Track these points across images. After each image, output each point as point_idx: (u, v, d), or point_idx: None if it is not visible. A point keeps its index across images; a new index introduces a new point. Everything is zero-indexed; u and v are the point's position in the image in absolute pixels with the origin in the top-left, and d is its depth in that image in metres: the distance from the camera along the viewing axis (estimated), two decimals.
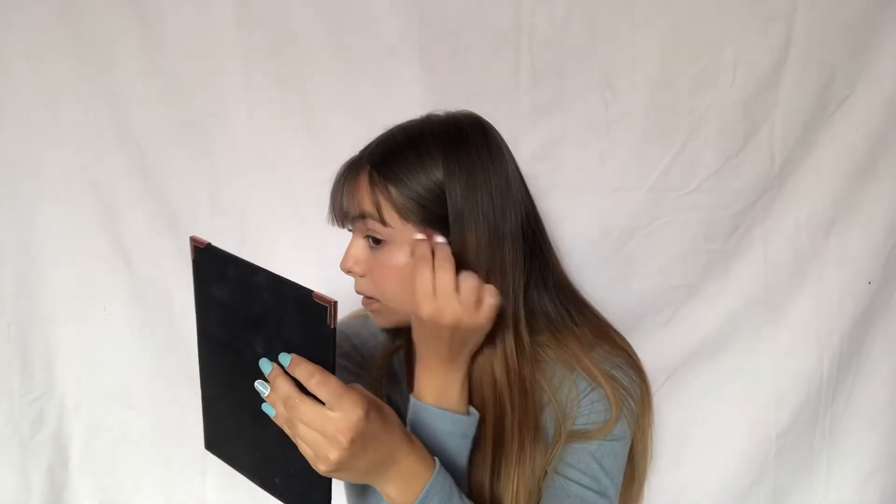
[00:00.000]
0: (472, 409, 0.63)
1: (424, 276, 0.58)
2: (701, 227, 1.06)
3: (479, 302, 0.59)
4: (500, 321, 0.63)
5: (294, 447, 0.51)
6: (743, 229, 1.07)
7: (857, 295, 1.08)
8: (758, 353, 1.10)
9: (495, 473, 0.66)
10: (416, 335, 0.62)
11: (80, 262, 1.08)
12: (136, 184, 1.06)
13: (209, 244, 0.55)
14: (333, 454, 0.49)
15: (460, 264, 0.60)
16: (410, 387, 0.64)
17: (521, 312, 0.65)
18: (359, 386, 0.52)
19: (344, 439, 0.49)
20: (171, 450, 1.14)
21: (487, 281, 0.61)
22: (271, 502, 0.59)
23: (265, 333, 0.53)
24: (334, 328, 0.48)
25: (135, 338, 1.11)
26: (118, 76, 1.03)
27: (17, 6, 1.01)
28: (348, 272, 0.67)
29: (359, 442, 0.50)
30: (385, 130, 0.67)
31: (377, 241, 0.64)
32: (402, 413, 0.64)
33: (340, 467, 0.50)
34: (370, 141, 0.67)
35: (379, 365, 0.74)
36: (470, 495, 0.65)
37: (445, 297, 0.58)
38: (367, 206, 0.62)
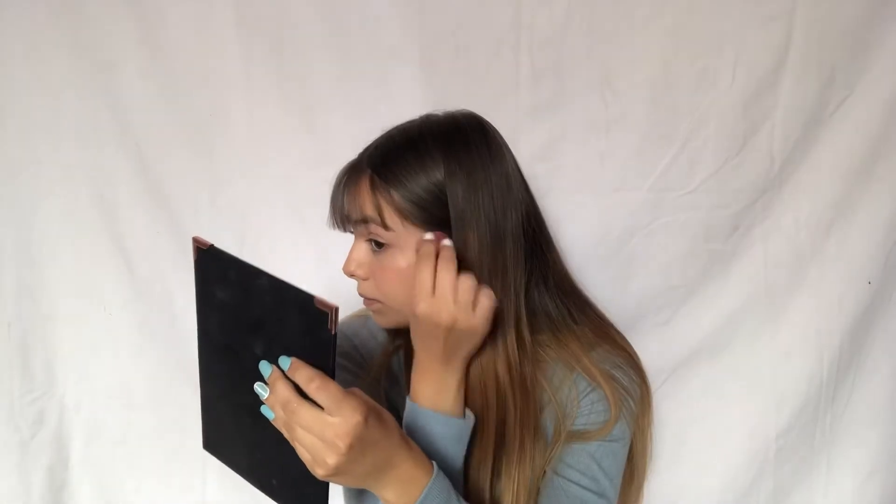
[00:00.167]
0: (469, 413, 0.63)
1: (425, 274, 0.58)
2: (701, 227, 1.06)
3: (475, 304, 0.59)
4: (501, 321, 0.63)
5: (292, 450, 0.51)
6: (743, 229, 1.07)
7: (857, 295, 1.08)
8: (758, 353, 1.10)
9: (496, 473, 0.66)
10: (413, 335, 0.62)
11: (81, 261, 1.08)
12: (137, 184, 1.06)
13: (212, 245, 0.55)
14: (331, 459, 0.49)
15: (462, 265, 0.60)
16: (409, 388, 0.64)
17: (523, 312, 0.65)
18: (358, 391, 0.52)
19: (342, 444, 0.49)
20: (172, 450, 1.14)
21: (489, 281, 0.61)
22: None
23: (265, 336, 0.53)
24: (335, 333, 0.49)
25: (135, 338, 1.11)
26: (118, 76, 1.03)
27: (17, 6, 1.01)
28: (351, 276, 0.67)
29: (357, 447, 0.50)
30: (384, 132, 0.67)
31: (379, 245, 0.64)
32: (400, 414, 0.64)
33: (338, 472, 0.50)
34: (369, 143, 0.67)
35: (378, 365, 0.74)
36: (469, 496, 0.65)
37: (443, 296, 0.58)
38: (369, 210, 0.62)
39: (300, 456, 0.51)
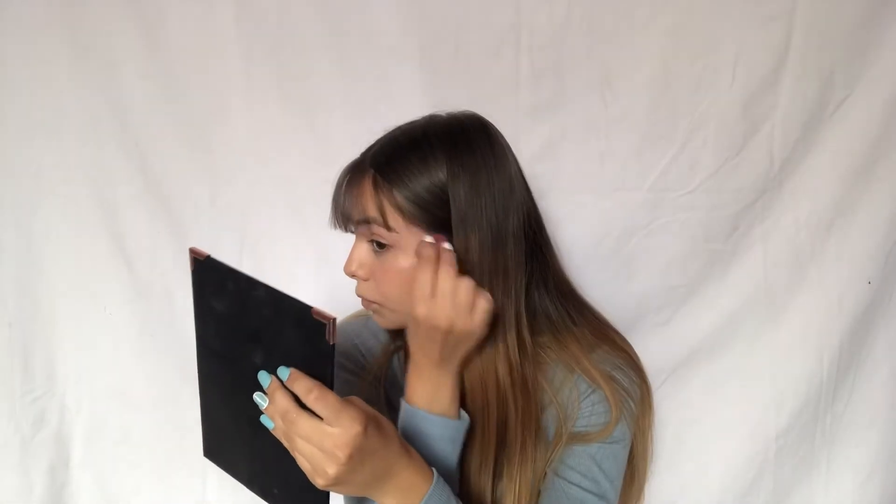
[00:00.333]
0: (463, 414, 0.63)
1: (425, 276, 0.58)
2: (701, 227, 1.06)
3: (473, 307, 0.59)
4: (502, 322, 0.63)
5: (292, 459, 0.51)
6: (743, 229, 1.07)
7: (857, 295, 1.08)
8: (758, 353, 1.10)
9: (497, 475, 0.66)
10: (411, 336, 0.62)
11: (81, 262, 1.09)
12: (137, 184, 1.07)
13: (209, 256, 0.55)
14: (331, 469, 0.50)
15: (463, 266, 0.60)
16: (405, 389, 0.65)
17: (524, 313, 0.65)
18: (357, 399, 0.52)
19: (342, 455, 0.49)
20: (172, 450, 1.14)
21: (490, 282, 0.61)
22: None
23: (264, 346, 0.53)
24: (333, 344, 0.49)
25: (135, 337, 1.11)
26: (118, 76, 1.03)
27: (17, 6, 1.01)
28: (352, 276, 0.66)
29: (357, 457, 0.50)
30: (386, 132, 0.67)
31: (381, 245, 0.64)
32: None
33: (338, 482, 0.50)
34: (371, 143, 0.67)
35: (379, 365, 0.74)
36: (471, 498, 0.66)
37: (442, 299, 0.58)
38: (371, 210, 0.62)
39: (300, 466, 0.51)
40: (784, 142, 1.03)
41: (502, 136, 0.66)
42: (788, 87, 1.01)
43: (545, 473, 0.67)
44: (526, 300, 0.65)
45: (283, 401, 0.50)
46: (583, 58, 1.01)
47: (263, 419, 0.52)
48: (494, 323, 0.62)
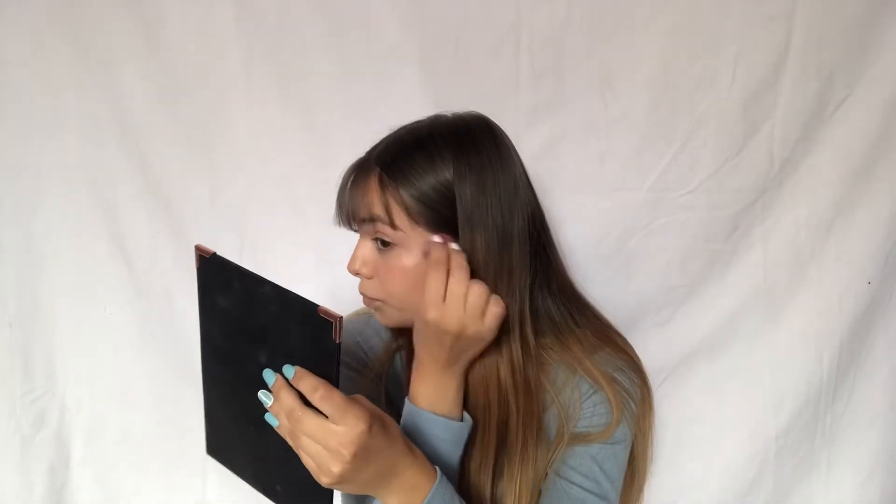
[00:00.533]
0: (466, 416, 0.64)
1: (437, 280, 0.58)
2: (701, 227, 1.06)
3: (485, 312, 0.59)
4: (505, 323, 0.63)
5: (296, 457, 0.52)
6: (743, 229, 1.07)
7: (857, 295, 1.08)
8: (757, 353, 1.10)
9: (497, 475, 0.67)
10: (418, 337, 0.62)
11: (81, 261, 1.09)
12: (137, 184, 1.07)
13: (214, 254, 0.55)
14: (336, 467, 0.50)
15: (469, 268, 0.60)
16: (408, 388, 0.65)
17: (527, 314, 0.65)
18: (362, 398, 0.53)
19: (347, 453, 0.49)
20: (172, 449, 1.14)
21: (495, 282, 0.61)
22: None
23: (269, 345, 0.53)
24: (339, 343, 0.49)
25: (135, 337, 1.11)
26: (118, 76, 1.03)
27: (17, 6, 1.01)
28: (356, 274, 0.66)
29: (361, 456, 0.50)
30: (391, 131, 0.67)
31: (385, 244, 0.64)
32: (401, 412, 0.64)
33: (343, 480, 0.51)
34: (376, 142, 0.67)
35: (381, 363, 0.74)
36: (471, 498, 0.66)
37: (454, 303, 0.58)
38: (377, 208, 0.62)
39: (305, 464, 0.51)
40: (784, 142, 1.03)
41: (507, 137, 0.66)
42: (788, 87, 1.01)
43: (546, 473, 0.67)
44: (529, 301, 0.65)
45: (288, 399, 0.51)
46: (583, 58, 1.01)
47: (268, 417, 0.52)
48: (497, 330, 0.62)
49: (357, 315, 0.79)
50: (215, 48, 1.03)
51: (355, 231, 0.67)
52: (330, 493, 0.54)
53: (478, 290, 0.59)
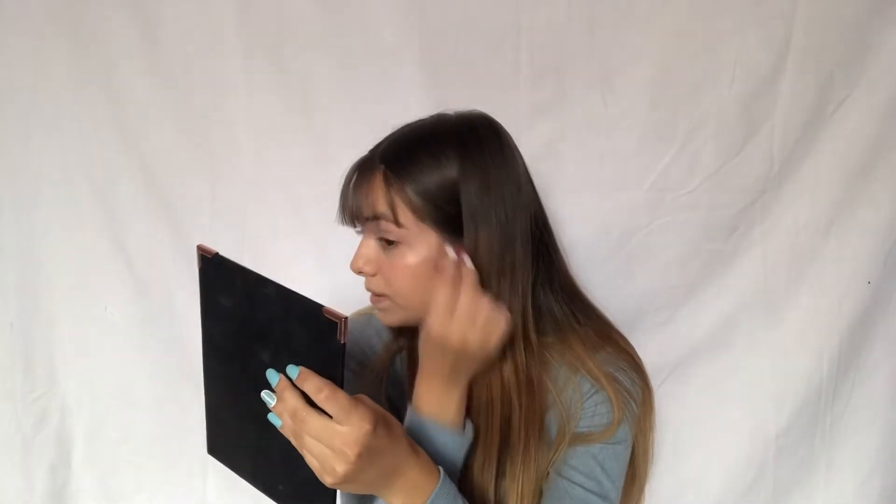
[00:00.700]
0: (468, 427, 0.64)
1: (445, 294, 0.59)
2: (701, 227, 1.06)
3: (490, 330, 0.59)
4: (508, 323, 0.63)
5: (299, 456, 0.52)
6: (743, 229, 1.07)
7: (857, 295, 1.08)
8: (757, 353, 1.10)
9: (500, 474, 0.67)
10: (422, 347, 0.62)
11: (81, 261, 1.09)
12: (137, 184, 1.07)
13: (217, 254, 0.55)
14: (340, 467, 0.50)
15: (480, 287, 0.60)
16: (411, 390, 0.65)
17: (530, 313, 0.65)
18: (366, 398, 0.53)
19: (351, 453, 0.49)
20: (173, 449, 1.14)
21: (498, 281, 0.62)
22: None
23: (273, 345, 0.53)
24: (344, 343, 0.49)
25: (136, 337, 1.11)
26: (118, 76, 1.03)
27: (17, 6, 1.01)
28: (358, 272, 0.66)
29: (366, 456, 0.50)
30: (395, 130, 0.66)
31: (390, 242, 0.63)
32: (401, 414, 0.64)
33: (347, 480, 0.51)
34: (378, 141, 0.67)
35: (381, 364, 0.74)
36: (473, 498, 0.66)
37: (462, 321, 0.58)
38: (381, 206, 0.62)
39: (308, 464, 0.51)
40: (784, 142, 1.03)
41: (510, 137, 0.66)
42: (788, 87, 1.01)
43: (547, 473, 0.67)
44: (532, 300, 0.65)
45: (292, 399, 0.50)
46: (583, 58, 1.01)
47: (271, 417, 0.52)
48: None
49: (359, 315, 0.79)
50: (215, 48, 1.03)
51: (358, 231, 0.67)
52: (333, 493, 0.54)
53: (485, 308, 0.59)
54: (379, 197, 0.62)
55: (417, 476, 0.56)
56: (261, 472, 0.59)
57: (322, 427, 0.50)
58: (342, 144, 1.03)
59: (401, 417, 0.63)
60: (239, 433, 0.59)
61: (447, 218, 0.62)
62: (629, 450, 0.69)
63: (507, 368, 0.64)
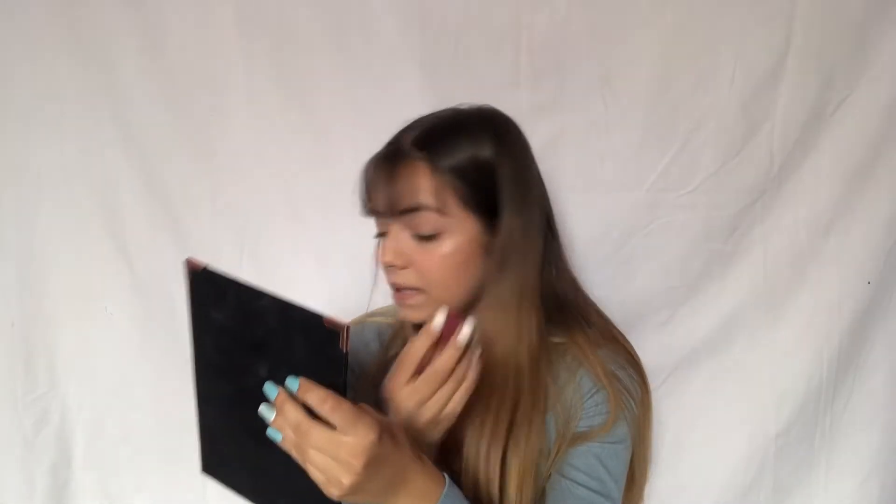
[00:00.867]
0: (447, 479, 0.60)
1: (416, 353, 0.59)
2: (701, 227, 1.06)
3: (438, 419, 0.60)
4: (527, 310, 0.64)
5: (299, 469, 0.51)
6: (743, 229, 1.06)
7: (857, 295, 1.07)
8: (758, 353, 1.09)
9: (504, 458, 0.66)
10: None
11: (82, 261, 1.09)
12: (137, 184, 1.07)
13: (206, 267, 0.53)
14: (346, 479, 0.49)
15: (503, 248, 0.62)
16: None
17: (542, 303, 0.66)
18: (368, 407, 0.52)
19: (358, 464, 0.49)
20: (173, 449, 1.14)
21: (524, 264, 0.63)
22: None
23: (269, 358, 0.52)
24: (347, 352, 0.48)
25: (136, 337, 1.12)
26: (118, 76, 1.03)
27: (17, 6, 1.01)
28: (388, 266, 0.65)
29: (372, 465, 0.49)
30: (412, 122, 0.66)
31: (425, 234, 0.62)
32: None
33: (353, 491, 0.50)
34: (398, 133, 0.66)
35: (373, 375, 0.74)
36: (480, 501, 0.66)
37: (429, 406, 0.59)
38: (425, 196, 0.61)
39: (313, 477, 0.50)
40: (784, 142, 1.03)
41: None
42: (788, 87, 1.01)
43: (549, 474, 0.67)
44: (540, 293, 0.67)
45: (293, 412, 0.50)
46: (583, 58, 1.01)
47: (270, 432, 0.51)
48: (519, 301, 0.63)
49: (354, 324, 0.79)
50: (215, 48, 1.03)
51: (384, 222, 0.65)
52: None
53: (446, 392, 0.60)
54: (422, 187, 0.61)
55: (423, 483, 0.55)
56: (260, 489, 0.58)
57: (327, 439, 0.49)
58: (342, 144, 1.03)
59: None
60: (236, 449, 0.58)
61: (487, 201, 0.62)
62: (630, 449, 0.69)
63: (523, 353, 0.64)
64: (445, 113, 0.67)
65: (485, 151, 0.62)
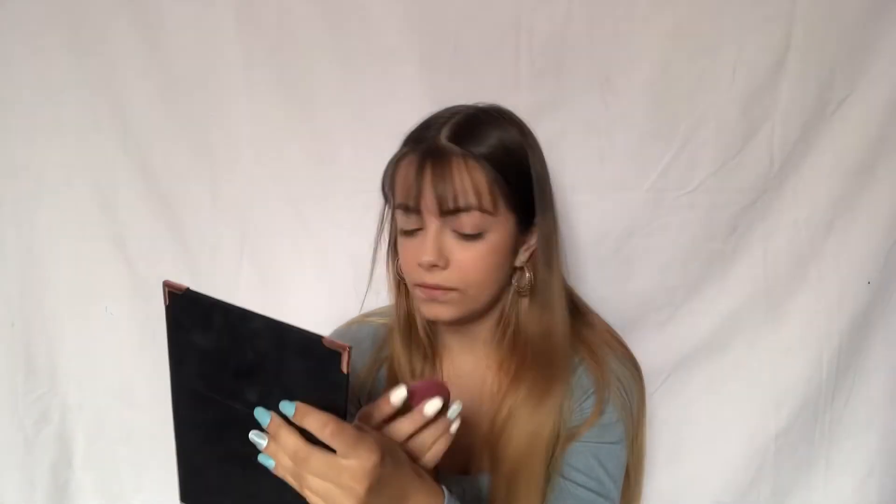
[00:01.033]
0: (445, 490, 0.59)
1: (383, 410, 0.56)
2: (701, 227, 1.05)
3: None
4: (566, 308, 0.67)
5: (291, 495, 0.49)
6: (743, 229, 1.06)
7: (857, 295, 1.07)
8: (757, 353, 1.09)
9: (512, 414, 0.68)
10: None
11: (82, 261, 1.09)
12: (137, 184, 1.07)
13: (188, 289, 0.51)
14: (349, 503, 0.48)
15: (549, 248, 0.65)
16: None
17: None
18: (365, 426, 0.52)
19: (361, 488, 0.47)
20: (173, 449, 1.14)
21: (549, 257, 0.65)
22: None
23: (261, 382, 0.49)
24: (348, 373, 0.46)
25: (136, 337, 1.12)
26: (118, 76, 1.03)
27: (17, 6, 1.01)
28: (430, 266, 0.63)
29: (375, 488, 0.48)
30: (446, 117, 0.66)
31: (469, 233, 0.62)
32: None
33: None
34: (424, 127, 0.66)
35: (362, 381, 0.74)
36: (481, 501, 0.66)
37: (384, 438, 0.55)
38: (479, 197, 0.61)
39: (312, 503, 0.49)
40: (784, 142, 1.03)
41: None
42: (788, 87, 1.01)
43: (549, 476, 0.68)
44: None
45: (290, 438, 0.48)
46: (583, 58, 1.01)
47: (262, 459, 0.49)
48: (561, 298, 0.66)
49: (344, 329, 0.80)
50: (215, 48, 1.03)
51: (417, 220, 0.64)
52: None
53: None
54: (477, 187, 0.61)
55: (423, 499, 0.55)
56: None
57: (327, 464, 0.47)
58: (342, 145, 1.03)
59: None
60: (220, 478, 0.55)
61: (525, 199, 0.64)
62: (627, 450, 0.70)
63: (567, 349, 0.67)
64: (478, 110, 0.67)
65: (520, 151, 0.64)
